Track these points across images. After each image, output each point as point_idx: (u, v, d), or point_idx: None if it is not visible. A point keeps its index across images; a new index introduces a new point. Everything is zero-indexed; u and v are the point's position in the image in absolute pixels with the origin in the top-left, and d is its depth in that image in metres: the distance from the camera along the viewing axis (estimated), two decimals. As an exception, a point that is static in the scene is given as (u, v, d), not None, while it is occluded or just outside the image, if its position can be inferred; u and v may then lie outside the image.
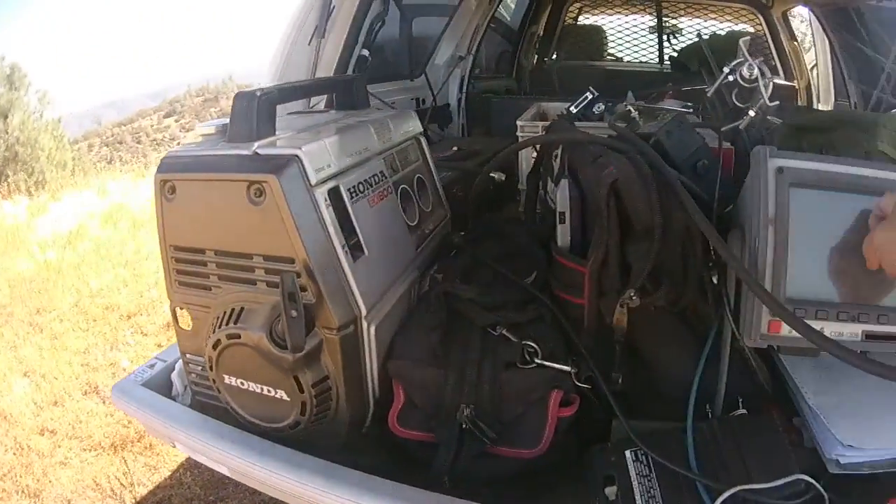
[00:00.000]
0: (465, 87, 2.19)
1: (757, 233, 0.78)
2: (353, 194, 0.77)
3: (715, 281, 0.79)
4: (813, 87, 2.17)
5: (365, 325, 0.76)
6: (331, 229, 0.75)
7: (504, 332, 0.78)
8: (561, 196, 0.79)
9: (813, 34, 2.17)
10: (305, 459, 0.80)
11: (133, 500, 1.33)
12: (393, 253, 0.82)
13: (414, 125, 0.96)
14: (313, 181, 0.75)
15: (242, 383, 0.81)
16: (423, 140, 0.96)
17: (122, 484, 1.33)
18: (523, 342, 0.77)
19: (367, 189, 0.79)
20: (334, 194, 0.76)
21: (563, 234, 0.80)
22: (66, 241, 3.34)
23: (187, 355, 0.87)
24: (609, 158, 0.78)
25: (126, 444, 1.47)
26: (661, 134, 0.87)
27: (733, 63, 0.86)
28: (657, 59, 2.91)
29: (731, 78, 0.87)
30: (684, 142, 0.88)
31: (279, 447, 0.81)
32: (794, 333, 0.79)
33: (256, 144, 0.77)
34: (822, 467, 0.82)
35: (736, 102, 0.87)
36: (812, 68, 2.17)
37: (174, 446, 0.91)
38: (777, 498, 0.79)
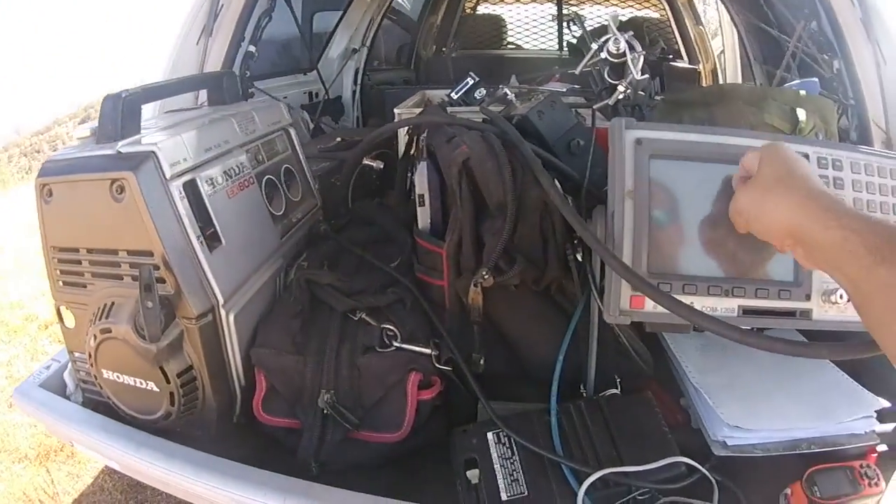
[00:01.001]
0: (359, 79, 2.26)
1: (614, 206, 0.76)
2: (211, 186, 0.79)
3: (579, 258, 0.77)
4: (720, 71, 2.13)
5: (223, 313, 0.78)
6: (186, 221, 0.78)
7: (364, 316, 0.79)
8: (419, 179, 0.80)
9: (720, 19, 2.14)
10: (178, 449, 0.82)
11: (59, 510, 1.37)
12: (254, 242, 0.84)
13: (282, 117, 0.99)
14: (168, 175, 0.77)
15: (119, 377, 0.84)
16: (292, 131, 0.99)
17: (48, 494, 1.38)
18: (382, 326, 0.77)
19: (227, 180, 0.81)
20: (190, 187, 0.79)
21: (423, 217, 0.81)
22: (-13, 255, 3.43)
23: (74, 353, 0.91)
24: (462, 138, 0.78)
25: (50, 454, 1.54)
26: (532, 114, 0.87)
27: (602, 39, 0.85)
28: (557, 46, 3.03)
29: (602, 55, 0.85)
30: (557, 121, 0.88)
31: (154, 438, 0.84)
32: (658, 308, 0.77)
33: (120, 144, 0.81)
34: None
35: (608, 79, 0.85)
36: (720, 54, 2.13)
37: (72, 445, 0.94)
38: (654, 481, 0.77)
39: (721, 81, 2.12)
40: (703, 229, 0.78)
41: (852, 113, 1.03)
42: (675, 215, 0.79)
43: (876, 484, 0.84)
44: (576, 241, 0.82)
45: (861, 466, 0.86)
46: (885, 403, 0.90)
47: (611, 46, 0.86)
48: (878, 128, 1.02)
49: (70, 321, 0.92)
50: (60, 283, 0.91)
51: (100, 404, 0.94)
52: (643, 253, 0.78)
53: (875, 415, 0.89)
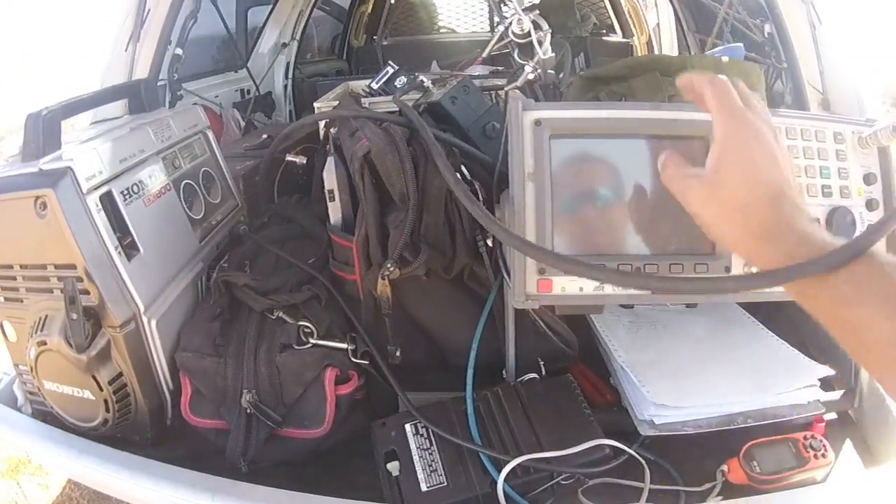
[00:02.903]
0: (290, 73, 2.32)
1: (514, 190, 0.76)
2: (127, 196, 0.83)
3: (489, 243, 0.78)
4: (655, 44, 2.09)
5: (146, 320, 0.82)
6: (103, 233, 0.82)
7: (281, 314, 0.81)
8: (328, 174, 0.83)
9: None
10: (115, 455, 0.87)
11: (30, 522, 1.49)
12: (172, 248, 0.89)
13: (199, 120, 1.03)
14: (85, 189, 0.81)
15: (58, 387, 0.89)
16: (209, 133, 1.02)
17: (19, 506, 1.45)
18: (299, 323, 0.80)
19: (143, 189, 0.84)
20: (107, 199, 0.83)
21: (334, 212, 0.83)
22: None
23: (19, 366, 0.95)
24: (364, 131, 0.79)
25: (20, 466, 1.65)
26: (445, 100, 0.88)
27: (508, 20, 0.85)
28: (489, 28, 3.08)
29: (511, 36, 0.86)
30: (471, 106, 0.89)
31: (94, 445, 0.89)
32: (567, 291, 0.77)
33: (42, 161, 0.84)
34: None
35: (518, 60, 0.85)
36: (655, 27, 2.09)
37: (28, 457, 0.99)
38: (577, 465, 0.77)
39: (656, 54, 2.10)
40: (610, 207, 0.78)
41: (786, 76, 1.01)
42: (580, 194, 0.79)
43: (823, 455, 0.83)
44: (486, 227, 0.83)
45: (805, 438, 0.85)
46: (829, 371, 0.89)
47: (514, 27, 0.86)
48: (815, 89, 0.99)
49: (12, 335, 0.98)
50: (1, 298, 0.96)
51: (47, 415, 0.99)
52: (547, 235, 0.78)
53: (818, 383, 0.87)
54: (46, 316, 0.91)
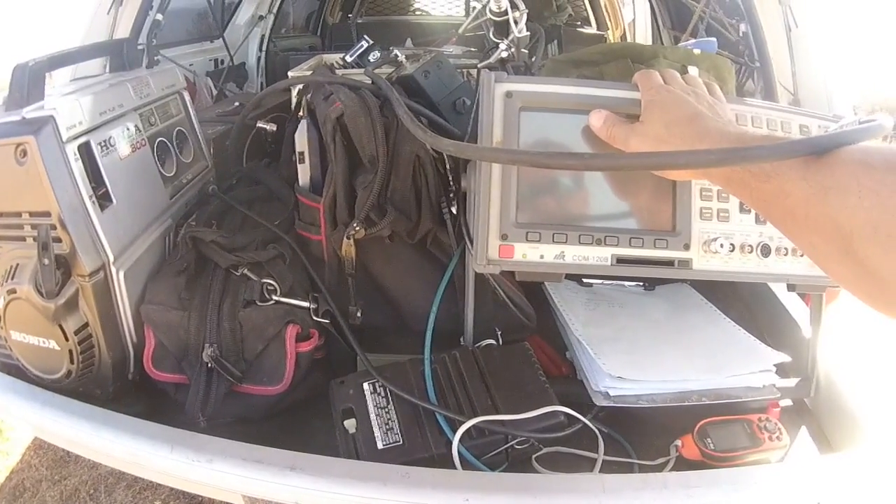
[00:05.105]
0: (265, 46, 2.42)
1: (483, 157, 0.79)
2: (104, 148, 0.86)
3: (454, 210, 0.80)
4: (630, 38, 2.16)
5: (114, 270, 0.85)
6: (79, 182, 0.85)
7: (245, 271, 0.83)
8: (299, 136, 0.85)
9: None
10: (78, 406, 0.87)
11: (-10, 490, 1.56)
12: (144, 202, 0.92)
13: (176, 80, 1.07)
14: (65, 138, 0.84)
15: (24, 337, 0.91)
16: (185, 94, 1.05)
17: (-22, 474, 1.46)
18: (263, 280, 0.82)
19: (119, 142, 0.87)
20: (84, 149, 0.86)
21: (303, 174, 0.86)
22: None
23: (-14, 318, 0.95)
24: (338, 95, 0.82)
25: None
26: (418, 73, 0.91)
27: (485, -1, 0.88)
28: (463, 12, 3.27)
29: (486, 15, 0.89)
30: (443, 81, 0.92)
31: (57, 397, 0.88)
32: (528, 258, 0.79)
33: (25, 110, 0.87)
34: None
35: (493, 38, 0.88)
36: (631, 22, 2.16)
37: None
38: (531, 430, 0.79)
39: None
40: (575, 180, 0.80)
41: (758, 75, 1.04)
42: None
43: (778, 438, 0.85)
44: (451, 195, 0.85)
45: (760, 420, 0.87)
46: (785, 357, 0.91)
47: (492, 5, 0.89)
48: (785, 89, 1.03)
49: (-19, 285, 0.99)
50: (-28, 247, 0.98)
51: (12, 368, 1.00)
52: (512, 203, 0.80)
53: (774, 369, 0.89)
54: (17, 264, 0.93)
